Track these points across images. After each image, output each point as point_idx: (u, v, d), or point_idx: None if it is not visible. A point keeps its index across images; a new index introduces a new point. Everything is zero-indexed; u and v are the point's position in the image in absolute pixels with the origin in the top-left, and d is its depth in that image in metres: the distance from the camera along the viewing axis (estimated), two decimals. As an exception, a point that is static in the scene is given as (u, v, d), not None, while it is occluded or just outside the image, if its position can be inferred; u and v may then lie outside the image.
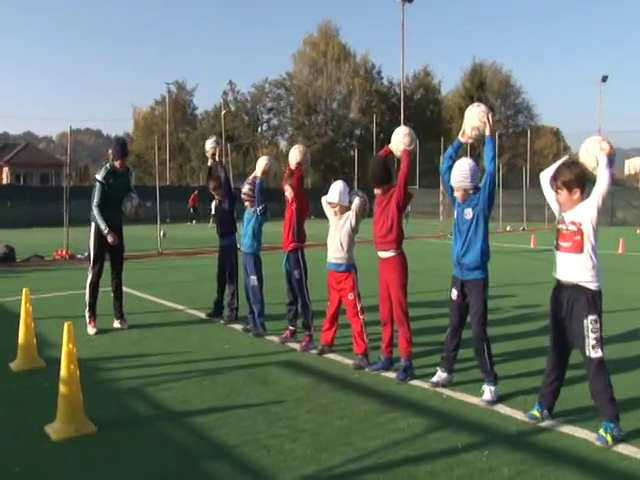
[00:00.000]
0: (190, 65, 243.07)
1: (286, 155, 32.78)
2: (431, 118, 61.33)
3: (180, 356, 5.48)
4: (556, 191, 3.80)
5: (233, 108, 59.19)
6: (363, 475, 3.17)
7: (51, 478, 3.18)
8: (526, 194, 28.43)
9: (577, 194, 3.69)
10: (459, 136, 4.47)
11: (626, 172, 74.69)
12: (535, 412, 3.89)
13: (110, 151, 6.64)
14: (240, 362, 5.28)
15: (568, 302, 3.72)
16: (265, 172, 6.29)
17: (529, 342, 5.93)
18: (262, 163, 6.32)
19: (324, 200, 5.43)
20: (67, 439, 3.60)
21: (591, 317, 3.62)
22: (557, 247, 3.81)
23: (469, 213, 4.34)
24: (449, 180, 4.43)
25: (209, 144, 7.21)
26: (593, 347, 3.61)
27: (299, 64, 62.08)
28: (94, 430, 3.73)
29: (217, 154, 7.16)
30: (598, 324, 3.62)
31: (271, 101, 62.21)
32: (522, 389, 4.49)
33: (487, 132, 4.28)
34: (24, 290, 5.12)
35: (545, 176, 3.95)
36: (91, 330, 6.38)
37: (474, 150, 29.40)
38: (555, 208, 3.86)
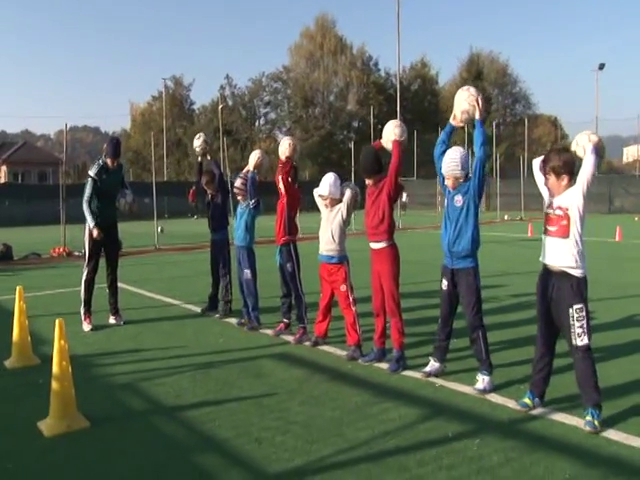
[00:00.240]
0: (187, 60, 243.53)
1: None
2: (428, 109, 61.09)
3: (175, 351, 5.50)
4: (545, 176, 3.81)
5: (230, 102, 58.96)
6: (353, 466, 3.18)
7: (43, 474, 3.19)
8: (524, 183, 28.35)
9: (565, 180, 3.71)
10: (450, 119, 4.46)
11: (624, 160, 74.44)
12: (527, 400, 3.90)
13: (105, 146, 6.65)
14: (234, 355, 5.30)
15: (553, 288, 3.74)
16: (257, 166, 6.29)
17: (523, 331, 5.93)
18: (254, 157, 6.31)
19: (315, 192, 5.43)
20: (59, 435, 3.62)
21: (576, 306, 3.63)
22: (545, 231, 3.83)
23: (459, 200, 4.33)
24: (442, 167, 4.43)
25: (198, 144, 7.14)
26: (579, 335, 3.63)
27: (296, 57, 61.81)
28: (87, 425, 3.75)
29: (208, 153, 7.13)
30: (584, 312, 3.63)
31: (268, 95, 61.93)
32: (515, 378, 4.49)
33: (477, 116, 4.26)
34: (17, 288, 5.14)
35: (537, 162, 3.97)
36: (86, 327, 6.39)
37: (472, 145, 29.22)
38: (545, 193, 3.88)
